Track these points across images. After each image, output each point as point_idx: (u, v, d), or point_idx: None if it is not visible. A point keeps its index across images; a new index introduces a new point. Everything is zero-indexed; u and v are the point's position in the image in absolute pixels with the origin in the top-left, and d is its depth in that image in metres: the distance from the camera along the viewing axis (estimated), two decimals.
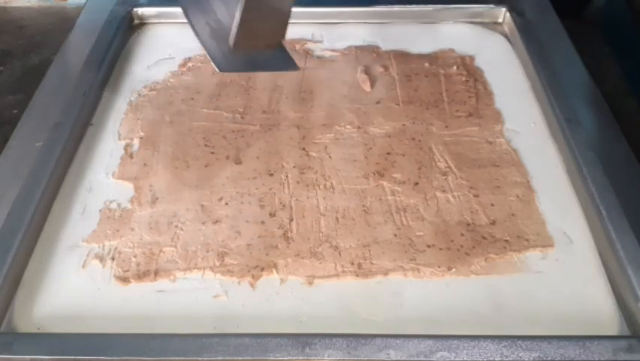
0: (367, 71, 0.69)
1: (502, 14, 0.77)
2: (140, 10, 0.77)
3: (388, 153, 0.59)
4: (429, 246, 0.51)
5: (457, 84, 0.67)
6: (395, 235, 0.52)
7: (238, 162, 0.59)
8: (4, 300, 0.47)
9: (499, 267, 0.49)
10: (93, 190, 0.56)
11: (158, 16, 0.78)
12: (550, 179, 0.57)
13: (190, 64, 0.71)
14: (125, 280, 0.49)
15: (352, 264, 0.50)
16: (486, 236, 0.51)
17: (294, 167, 0.58)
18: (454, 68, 0.69)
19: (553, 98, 0.62)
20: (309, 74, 0.69)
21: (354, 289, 0.48)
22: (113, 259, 0.50)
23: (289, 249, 0.51)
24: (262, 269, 0.49)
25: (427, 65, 0.70)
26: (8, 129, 0.61)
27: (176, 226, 0.53)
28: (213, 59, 0.51)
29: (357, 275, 0.49)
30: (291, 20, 0.69)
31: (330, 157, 0.59)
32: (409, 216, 0.53)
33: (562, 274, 0.49)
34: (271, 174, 0.57)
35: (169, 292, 0.48)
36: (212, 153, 0.60)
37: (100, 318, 0.46)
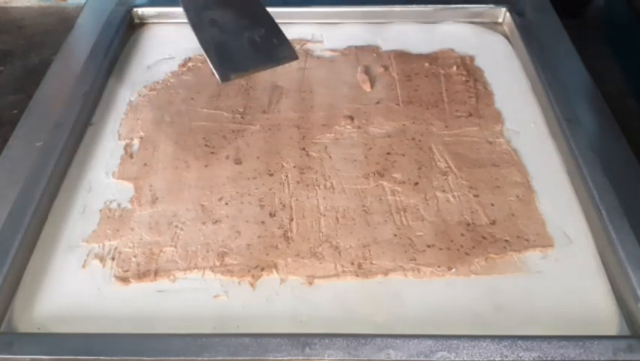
0: (367, 71, 0.69)
1: (502, 14, 0.77)
2: (140, 10, 0.77)
3: (388, 153, 0.59)
4: (429, 246, 0.51)
5: (457, 84, 0.67)
6: (395, 235, 0.52)
7: (238, 162, 0.59)
8: (4, 300, 0.47)
9: (499, 267, 0.49)
10: (93, 190, 0.56)
11: (158, 16, 0.78)
12: (550, 179, 0.57)
13: (190, 64, 0.71)
14: (125, 280, 0.49)
15: (352, 264, 0.50)
16: (486, 236, 0.51)
17: (294, 167, 0.58)
18: (454, 68, 0.69)
19: (553, 98, 0.62)
20: (309, 74, 0.69)
21: (354, 289, 0.48)
22: (113, 259, 0.50)
23: (289, 249, 0.51)
24: (262, 269, 0.49)
25: (427, 65, 0.70)
26: (8, 129, 0.61)
27: (176, 226, 0.53)
28: (216, 69, 0.52)
29: (357, 275, 0.49)
30: (291, 20, 0.69)
31: (330, 157, 0.59)
32: (409, 216, 0.53)
33: (562, 274, 0.49)
34: (271, 174, 0.57)
35: (169, 292, 0.48)
36: (212, 153, 0.60)
37: (100, 318, 0.46)
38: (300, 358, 0.42)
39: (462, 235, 0.52)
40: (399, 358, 0.42)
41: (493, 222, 0.53)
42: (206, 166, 0.58)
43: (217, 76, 0.53)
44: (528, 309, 0.47)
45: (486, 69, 0.70)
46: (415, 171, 0.57)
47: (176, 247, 0.51)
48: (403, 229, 0.52)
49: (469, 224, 0.52)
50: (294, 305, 0.47)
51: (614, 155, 0.56)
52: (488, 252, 0.50)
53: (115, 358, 0.43)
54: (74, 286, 0.49)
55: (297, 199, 0.55)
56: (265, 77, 0.69)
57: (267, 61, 0.56)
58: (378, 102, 0.65)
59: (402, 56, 0.72)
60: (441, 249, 0.51)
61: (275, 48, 0.56)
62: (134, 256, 0.50)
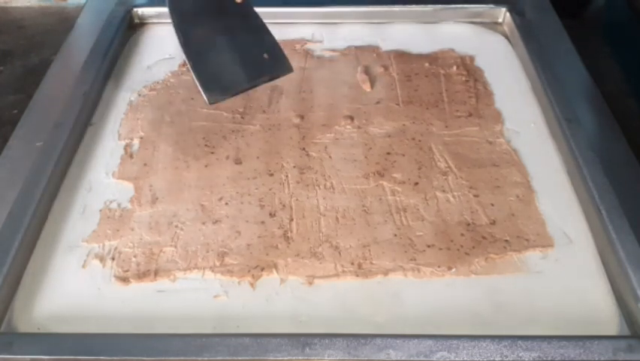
0: (367, 71, 0.69)
1: (502, 14, 0.77)
2: (140, 10, 0.77)
3: (388, 153, 0.59)
4: (429, 246, 0.51)
5: (457, 84, 0.67)
6: (395, 235, 0.52)
7: (238, 162, 0.59)
8: (4, 300, 0.47)
9: (499, 267, 0.49)
10: (93, 190, 0.56)
11: (158, 16, 0.78)
12: (550, 179, 0.57)
13: None
14: (125, 280, 0.49)
15: (352, 264, 0.50)
16: (486, 236, 0.51)
17: (294, 167, 0.58)
18: (454, 68, 0.69)
19: (553, 98, 0.62)
20: (309, 74, 0.69)
21: (354, 289, 0.48)
22: (113, 259, 0.50)
23: (289, 249, 0.51)
24: (262, 269, 0.49)
25: (427, 65, 0.70)
26: (8, 129, 0.61)
27: (176, 226, 0.53)
28: (204, 91, 0.53)
29: (357, 275, 0.49)
30: (291, 20, 0.69)
31: (330, 157, 0.59)
32: (409, 216, 0.53)
33: (562, 274, 0.49)
34: (271, 174, 0.57)
35: (169, 292, 0.48)
36: (212, 153, 0.60)
37: (100, 318, 0.46)
38: (300, 358, 0.42)
39: (462, 235, 0.52)
40: (399, 358, 0.42)
41: (493, 223, 0.53)
42: (206, 166, 0.58)
43: (205, 98, 0.53)
44: (528, 309, 0.47)
45: (486, 69, 0.70)
46: (415, 171, 0.57)
47: (176, 247, 0.51)
48: (403, 228, 0.52)
49: (469, 224, 0.52)
50: (294, 305, 0.47)
51: (614, 155, 0.56)
52: (488, 252, 0.50)
53: (115, 358, 0.43)
54: (74, 286, 0.49)
55: (297, 199, 0.55)
56: None
57: (259, 77, 0.56)
58: (378, 102, 0.65)
59: (402, 56, 0.72)
60: (441, 249, 0.51)
61: (268, 61, 0.56)
62: (134, 256, 0.50)
